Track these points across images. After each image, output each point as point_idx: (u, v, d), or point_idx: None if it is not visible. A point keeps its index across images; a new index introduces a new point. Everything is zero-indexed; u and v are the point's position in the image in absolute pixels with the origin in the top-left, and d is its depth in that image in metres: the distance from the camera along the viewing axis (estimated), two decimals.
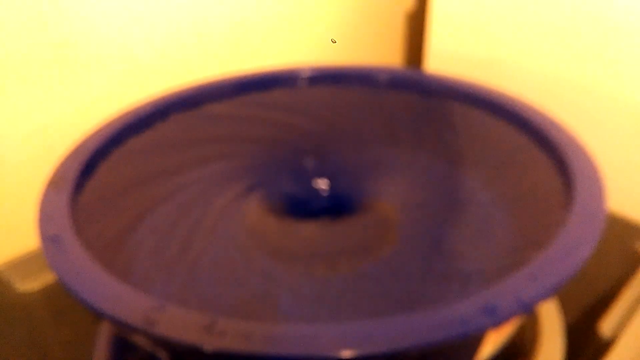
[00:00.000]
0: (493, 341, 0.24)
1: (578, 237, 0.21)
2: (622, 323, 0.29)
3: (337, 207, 0.30)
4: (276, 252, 0.25)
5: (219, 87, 0.34)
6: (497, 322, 0.17)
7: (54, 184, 0.26)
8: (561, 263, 0.19)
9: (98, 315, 0.18)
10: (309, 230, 0.27)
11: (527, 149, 0.28)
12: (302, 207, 0.29)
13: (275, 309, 0.20)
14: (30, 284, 0.33)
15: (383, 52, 0.53)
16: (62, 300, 0.31)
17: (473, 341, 0.20)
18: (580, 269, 0.19)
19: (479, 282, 0.21)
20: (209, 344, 0.17)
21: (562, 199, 0.24)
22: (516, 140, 0.29)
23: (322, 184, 0.31)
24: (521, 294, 0.18)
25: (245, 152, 0.31)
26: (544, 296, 0.18)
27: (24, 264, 0.35)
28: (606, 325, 0.30)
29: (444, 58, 0.42)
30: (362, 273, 0.24)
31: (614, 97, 0.36)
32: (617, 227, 0.34)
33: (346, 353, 0.17)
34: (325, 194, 0.30)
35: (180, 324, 0.17)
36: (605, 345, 0.29)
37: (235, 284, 0.22)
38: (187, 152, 0.30)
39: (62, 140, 0.37)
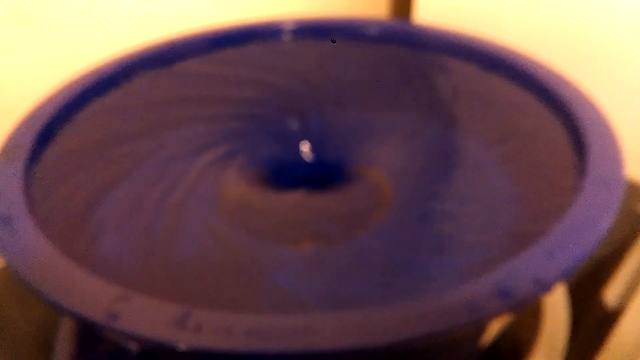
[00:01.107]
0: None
1: (596, 205, 0.19)
2: (628, 291, 0.28)
3: (324, 174, 0.27)
4: (259, 226, 0.23)
5: (192, 43, 0.31)
6: (512, 306, 0.15)
7: (6, 153, 0.23)
8: (580, 236, 0.17)
9: (53, 308, 0.16)
10: (294, 200, 0.24)
11: (532, 108, 0.25)
12: (285, 175, 0.27)
13: (260, 295, 0.18)
14: None
15: (368, 3, 0.49)
16: None
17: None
18: (600, 241, 0.17)
19: (484, 256, 0.19)
20: (182, 341, 0.14)
21: (574, 163, 0.22)
22: (519, 98, 0.26)
23: (307, 149, 0.28)
24: (538, 272, 0.16)
25: (221, 114, 0.28)
26: (564, 274, 0.16)
27: None
28: (611, 293, 0.28)
29: (435, 8, 0.39)
30: (354, 247, 0.22)
31: (623, 51, 0.33)
32: None
33: (343, 347, 0.14)
34: (310, 160, 0.28)
35: (147, 317, 0.15)
36: (611, 315, 0.27)
37: (214, 265, 0.20)
38: (157, 115, 0.28)
39: (16, 102, 0.34)
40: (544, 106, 0.25)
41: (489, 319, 0.15)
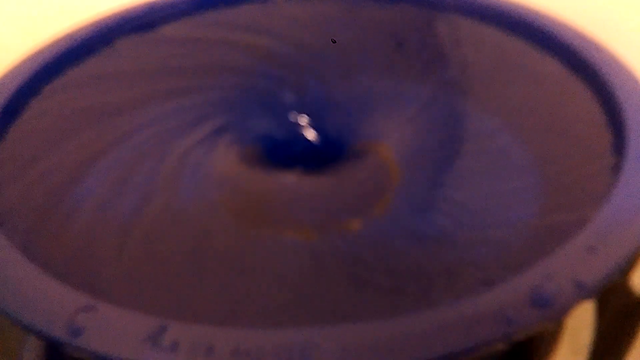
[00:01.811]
0: None
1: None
2: None
3: (323, 151, 0.25)
4: (252, 213, 0.20)
5: (175, 4, 0.28)
6: (550, 317, 0.13)
7: None
8: (626, 224, 0.15)
9: (9, 320, 0.14)
10: (291, 181, 0.22)
11: (559, 76, 0.23)
12: (281, 153, 0.24)
13: (252, 302, 0.15)
14: None
15: None
16: None
17: None
18: None
19: (509, 255, 0.17)
20: None
21: (609, 140, 0.19)
22: (543, 65, 0.23)
23: (305, 123, 0.25)
24: (579, 273, 0.14)
25: (208, 85, 0.25)
26: (611, 274, 0.14)
27: None
28: (639, 280, 0.26)
29: None
30: (356, 238, 0.19)
31: None
32: None
33: None
34: (308, 136, 0.25)
35: (114, 332, 0.13)
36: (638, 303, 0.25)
37: (201, 261, 0.17)
38: (138, 85, 0.25)
39: None
40: (572, 74, 0.22)
41: (522, 333, 0.13)
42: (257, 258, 0.18)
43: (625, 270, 0.14)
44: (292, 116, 0.25)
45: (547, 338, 0.23)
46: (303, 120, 0.25)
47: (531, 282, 0.13)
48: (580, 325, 0.23)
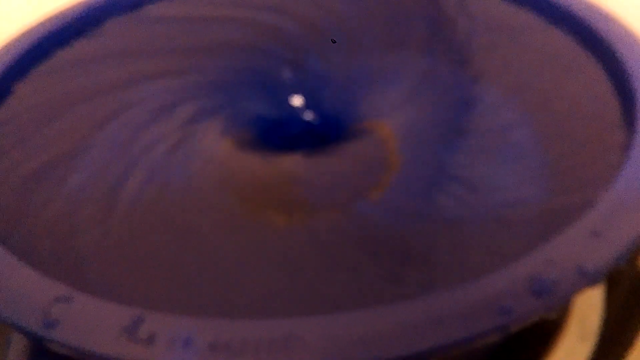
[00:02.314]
0: None
1: None
2: None
3: (322, 131, 0.24)
4: (244, 195, 0.19)
5: None
6: (551, 305, 0.12)
7: None
8: (634, 209, 0.14)
9: None
10: (287, 164, 0.21)
11: (567, 50, 0.21)
12: (277, 134, 0.23)
13: (244, 289, 0.15)
14: None
15: None
16: None
17: None
18: None
19: (511, 239, 0.16)
20: (130, 356, 0.11)
21: (619, 116, 0.18)
22: (551, 37, 0.22)
23: (303, 102, 0.24)
24: (582, 259, 0.13)
25: (201, 64, 0.24)
26: (616, 260, 0.13)
27: None
28: None
29: None
30: (357, 220, 0.18)
31: None
32: None
33: None
34: (306, 115, 0.24)
35: (89, 324, 0.12)
36: None
37: (188, 248, 0.16)
38: (128, 66, 0.24)
39: None
40: (581, 47, 0.21)
41: (521, 322, 0.12)
42: (251, 243, 0.17)
43: (631, 255, 0.13)
44: (289, 97, 0.25)
45: (554, 324, 0.22)
46: (300, 99, 0.25)
47: (531, 269, 0.12)
48: (589, 310, 0.22)
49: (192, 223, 0.17)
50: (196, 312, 0.12)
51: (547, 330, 0.21)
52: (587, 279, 0.12)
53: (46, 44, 0.24)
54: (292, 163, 0.22)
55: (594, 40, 0.21)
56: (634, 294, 0.24)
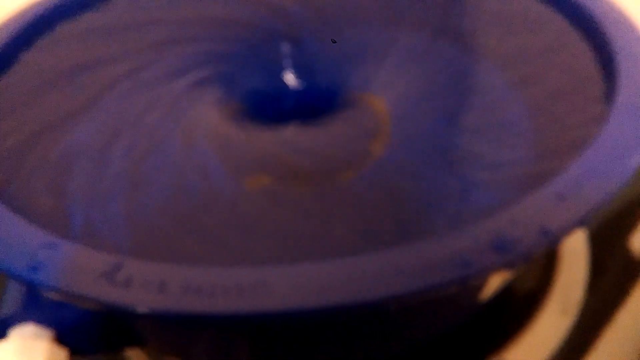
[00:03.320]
0: None
1: (622, 139, 0.15)
2: None
3: (316, 104, 0.24)
4: (234, 164, 0.20)
5: None
6: (511, 261, 0.12)
7: None
8: (599, 175, 0.14)
9: None
10: (280, 136, 0.21)
11: (553, 24, 0.22)
12: (271, 107, 0.24)
13: (224, 244, 0.15)
14: None
15: None
16: None
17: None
18: (627, 182, 0.14)
19: (491, 202, 0.16)
20: (107, 296, 0.12)
21: (601, 88, 0.18)
22: (539, 12, 0.22)
23: (298, 75, 0.25)
24: (545, 220, 0.13)
25: (199, 36, 0.25)
26: (577, 222, 0.13)
27: None
28: (637, 242, 0.25)
29: None
30: (340, 191, 0.19)
31: None
32: None
33: (299, 307, 0.12)
34: (301, 88, 0.25)
35: (72, 268, 0.13)
36: (637, 264, 0.24)
37: (173, 203, 0.17)
38: (131, 38, 0.25)
39: None
40: (570, 24, 0.21)
41: (482, 276, 0.12)
42: (243, 206, 0.18)
43: (592, 218, 0.13)
44: (285, 69, 0.25)
45: (535, 296, 0.22)
46: (295, 73, 0.25)
47: (495, 227, 0.13)
48: (572, 285, 0.23)
49: (178, 180, 0.18)
50: (172, 261, 0.13)
51: (529, 303, 0.22)
52: (548, 239, 0.13)
53: (52, 16, 0.25)
54: (288, 132, 0.22)
55: (583, 17, 0.21)
56: (622, 273, 0.24)
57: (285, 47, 0.25)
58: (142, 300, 0.12)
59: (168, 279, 0.12)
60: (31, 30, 0.24)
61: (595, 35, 0.20)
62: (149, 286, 0.12)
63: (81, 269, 0.13)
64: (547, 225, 0.13)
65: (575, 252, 0.23)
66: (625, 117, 0.16)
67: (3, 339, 0.17)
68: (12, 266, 0.13)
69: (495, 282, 0.19)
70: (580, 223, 0.13)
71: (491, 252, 0.12)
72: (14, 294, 0.17)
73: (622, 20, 0.20)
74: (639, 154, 0.15)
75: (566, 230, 0.13)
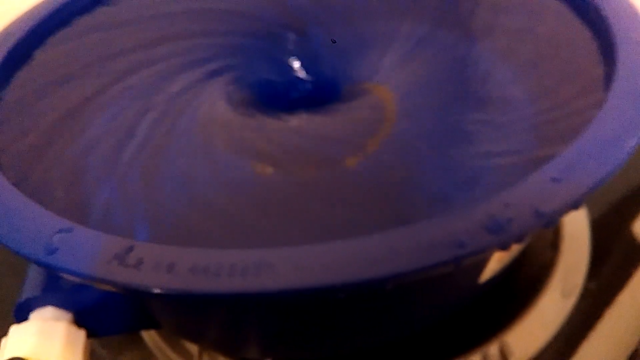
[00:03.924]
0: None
1: (617, 123, 0.16)
2: None
3: (322, 94, 0.25)
4: (244, 151, 0.20)
5: None
6: (504, 242, 0.13)
7: None
8: (592, 159, 0.15)
9: None
10: (287, 124, 0.22)
11: (558, 11, 0.22)
12: (279, 97, 0.24)
13: (235, 226, 0.16)
14: None
15: None
16: None
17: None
18: (621, 166, 0.15)
19: (492, 185, 0.16)
20: (119, 277, 0.13)
21: (600, 74, 0.19)
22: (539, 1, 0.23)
23: (304, 66, 0.25)
24: (539, 202, 0.14)
25: (209, 29, 0.26)
26: (570, 205, 0.14)
27: None
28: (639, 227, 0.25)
29: None
30: (344, 176, 0.19)
31: None
32: None
33: (301, 286, 0.12)
34: (307, 79, 0.25)
35: (86, 251, 0.13)
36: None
37: (193, 190, 0.18)
38: (143, 32, 0.25)
39: None
40: (572, 10, 0.22)
41: (475, 255, 0.13)
42: (252, 190, 0.18)
43: (583, 201, 0.14)
44: (291, 60, 0.26)
45: (538, 279, 0.23)
46: (302, 64, 0.26)
47: (490, 209, 0.13)
48: (573, 268, 0.23)
49: (190, 167, 0.18)
50: (187, 243, 0.14)
51: (531, 284, 0.22)
52: (542, 221, 0.13)
53: (66, 10, 0.25)
54: (295, 120, 0.23)
55: (584, 3, 0.21)
56: (624, 257, 0.25)
57: (292, 39, 0.26)
58: (151, 280, 0.12)
59: (177, 260, 0.13)
60: (46, 25, 0.25)
61: (596, 21, 0.20)
62: (158, 267, 0.13)
63: (94, 252, 0.13)
64: (541, 207, 0.13)
65: (577, 236, 0.24)
66: (621, 103, 0.16)
67: (25, 321, 0.17)
68: (30, 250, 0.14)
69: (497, 265, 0.19)
70: (574, 205, 0.14)
71: (485, 233, 0.13)
72: (34, 279, 0.18)
73: (624, 7, 0.20)
74: (633, 138, 0.15)
75: (559, 212, 0.13)
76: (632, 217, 0.25)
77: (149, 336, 0.24)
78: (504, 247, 0.13)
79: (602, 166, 0.14)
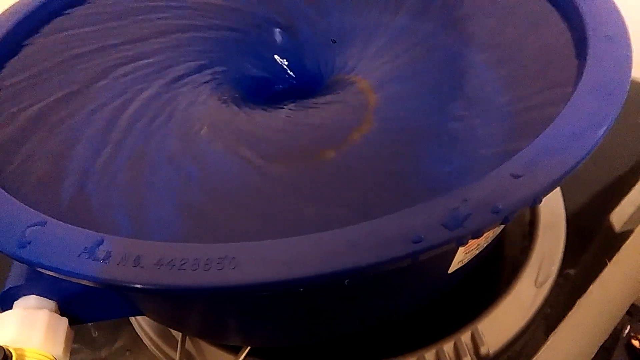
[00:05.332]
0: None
1: (580, 118, 0.16)
2: (636, 215, 0.25)
3: (306, 86, 0.25)
4: (229, 144, 0.21)
5: None
6: (460, 237, 0.13)
7: None
8: (555, 155, 0.15)
9: None
10: (271, 118, 0.22)
11: (537, 8, 0.22)
12: (264, 90, 0.25)
13: (213, 220, 0.16)
14: None
15: None
16: None
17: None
18: (582, 161, 0.15)
19: (464, 179, 0.17)
20: (87, 271, 0.13)
21: (573, 66, 0.19)
22: None
23: (288, 60, 0.26)
24: (497, 198, 0.14)
25: (197, 24, 0.26)
26: (529, 202, 0.14)
27: None
28: (616, 217, 0.25)
29: None
30: (326, 166, 0.19)
31: None
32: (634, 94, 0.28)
33: (264, 280, 0.13)
34: (292, 72, 0.25)
35: (57, 245, 0.14)
36: (617, 238, 0.25)
37: (175, 182, 0.18)
38: (135, 25, 0.25)
39: None
40: (550, 6, 0.22)
41: (432, 250, 0.13)
42: (235, 184, 0.18)
43: (543, 196, 0.14)
44: (276, 54, 0.26)
45: (512, 268, 0.23)
46: (287, 57, 0.26)
47: (448, 204, 0.14)
48: (547, 258, 0.23)
49: (172, 160, 0.19)
50: (148, 238, 0.14)
51: (506, 273, 0.23)
52: (499, 217, 0.14)
53: (51, 7, 0.25)
54: (279, 114, 0.23)
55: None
56: (602, 246, 0.25)
57: (276, 33, 0.26)
58: (118, 274, 0.13)
59: (143, 254, 0.13)
60: (40, 14, 0.25)
61: (572, 16, 0.20)
62: (125, 260, 0.13)
63: (65, 246, 0.14)
64: (498, 203, 0.14)
65: (553, 226, 0.24)
66: (586, 98, 0.16)
67: (8, 310, 0.18)
68: (3, 243, 0.14)
69: (466, 256, 0.19)
70: (533, 201, 0.14)
71: (442, 228, 0.13)
72: (19, 269, 0.19)
73: (605, 5, 0.20)
74: (595, 135, 0.15)
75: (517, 208, 0.14)
76: (610, 208, 0.25)
77: (136, 322, 0.25)
78: (461, 242, 0.13)
79: (562, 161, 0.15)
